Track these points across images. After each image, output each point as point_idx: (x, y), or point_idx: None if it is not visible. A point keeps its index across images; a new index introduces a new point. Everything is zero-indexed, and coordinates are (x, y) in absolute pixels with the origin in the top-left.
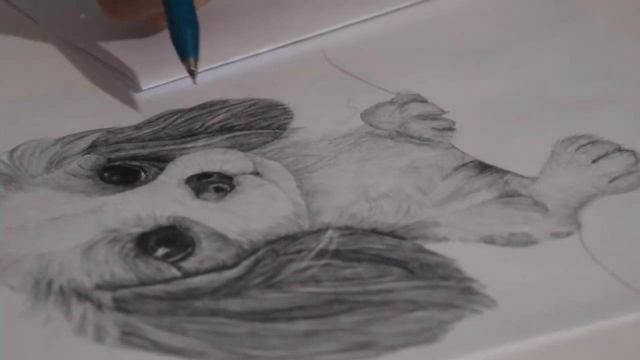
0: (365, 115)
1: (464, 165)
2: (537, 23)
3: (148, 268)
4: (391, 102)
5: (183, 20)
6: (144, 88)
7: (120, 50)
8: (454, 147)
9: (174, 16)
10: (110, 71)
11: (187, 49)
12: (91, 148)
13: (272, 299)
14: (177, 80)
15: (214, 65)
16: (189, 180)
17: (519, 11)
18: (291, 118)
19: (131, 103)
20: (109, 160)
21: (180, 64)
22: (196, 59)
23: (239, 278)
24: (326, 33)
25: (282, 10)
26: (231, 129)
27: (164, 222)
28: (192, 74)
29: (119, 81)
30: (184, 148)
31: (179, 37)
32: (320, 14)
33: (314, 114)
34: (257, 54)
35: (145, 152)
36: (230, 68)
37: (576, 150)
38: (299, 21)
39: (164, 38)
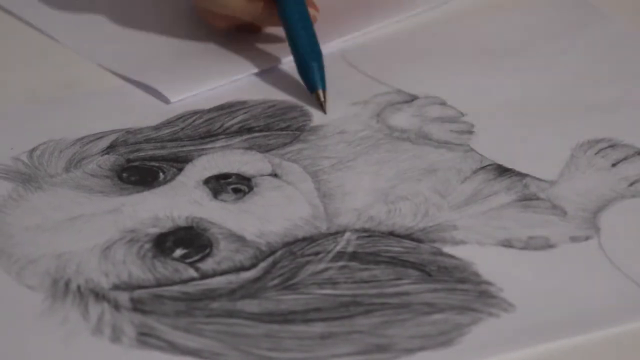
0: (383, 117)
1: (482, 168)
2: (556, 25)
3: (165, 269)
4: (410, 104)
5: (308, 54)
6: (172, 101)
7: (143, 72)
8: (472, 149)
9: (299, 51)
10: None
11: (315, 83)
12: (110, 148)
13: (289, 300)
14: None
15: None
16: (207, 181)
17: (538, 14)
18: (309, 120)
19: (152, 101)
20: (128, 160)
21: (207, 76)
22: (324, 90)
23: (256, 279)
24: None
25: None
26: (250, 130)
27: (182, 222)
28: (322, 104)
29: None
30: (203, 149)
31: (306, 71)
32: (343, 21)
33: (332, 116)
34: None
35: (164, 152)
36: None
37: (595, 153)
38: (321, 29)
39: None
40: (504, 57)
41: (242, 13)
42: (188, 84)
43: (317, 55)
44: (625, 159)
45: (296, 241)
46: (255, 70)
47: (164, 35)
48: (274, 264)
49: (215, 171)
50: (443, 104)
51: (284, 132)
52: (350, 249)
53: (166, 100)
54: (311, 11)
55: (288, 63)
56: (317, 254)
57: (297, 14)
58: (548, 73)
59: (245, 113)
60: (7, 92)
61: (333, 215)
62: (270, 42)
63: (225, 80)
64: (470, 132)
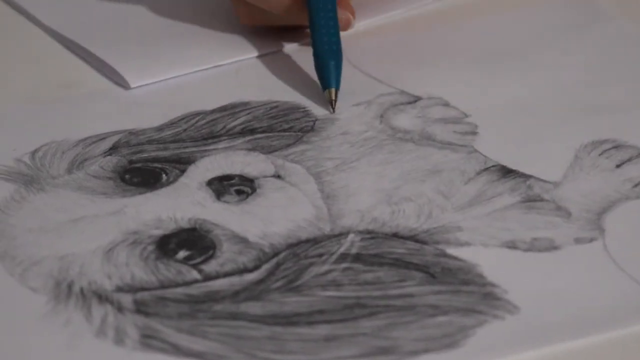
0: (386, 118)
1: (486, 169)
2: (560, 26)
3: (169, 270)
4: (413, 105)
5: (327, 51)
6: (132, 86)
7: (108, 51)
8: (476, 150)
9: (319, 47)
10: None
11: (329, 81)
12: (113, 149)
13: (293, 302)
14: (165, 80)
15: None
16: (210, 183)
17: (543, 14)
18: (312, 121)
19: (154, 102)
20: (131, 162)
21: (170, 64)
22: (337, 90)
23: (259, 281)
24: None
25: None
26: (252, 131)
27: (185, 224)
28: (331, 103)
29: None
30: (206, 150)
31: (323, 68)
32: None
33: (335, 117)
34: (275, 52)
35: (166, 153)
36: (251, 67)
37: (600, 154)
38: None
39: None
40: (507, 57)
41: (276, 6)
42: (151, 70)
43: (336, 54)
44: (629, 160)
45: (299, 243)
46: (228, 60)
47: (141, 16)
48: (278, 266)
49: (218, 172)
50: (446, 104)
51: (287, 133)
52: (353, 250)
53: (126, 85)
54: (345, 14)
55: (267, 56)
56: (320, 255)
57: (322, 11)
58: (552, 73)
59: (248, 114)
60: (7, 93)
61: (336, 217)
62: (259, 33)
63: (191, 69)
64: (474, 133)
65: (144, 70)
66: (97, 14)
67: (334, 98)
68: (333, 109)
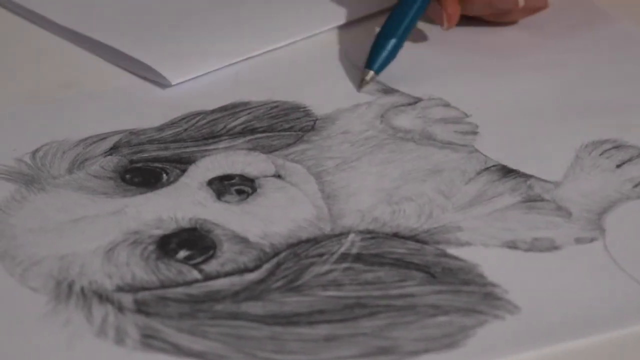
0: (387, 118)
1: (486, 169)
2: (561, 26)
3: (169, 270)
4: (413, 106)
5: (388, 35)
6: (173, 83)
7: (143, 51)
8: (477, 150)
9: (383, 28)
10: (135, 70)
11: (375, 61)
12: (113, 149)
13: (293, 302)
14: (204, 75)
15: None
16: (210, 183)
17: (543, 14)
18: (313, 120)
19: (155, 102)
20: (131, 161)
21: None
22: (376, 73)
23: (260, 281)
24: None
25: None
26: (253, 131)
27: (185, 224)
28: (361, 82)
29: (144, 80)
30: (206, 150)
31: (375, 48)
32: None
33: (335, 116)
34: (274, 49)
35: (167, 153)
36: (250, 67)
37: (600, 154)
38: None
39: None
40: (508, 57)
41: None
42: (190, 65)
43: (396, 40)
44: (630, 160)
45: (300, 243)
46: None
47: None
48: (278, 266)
49: (218, 172)
50: (447, 105)
51: (288, 133)
52: (354, 250)
53: (167, 83)
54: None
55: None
56: (321, 255)
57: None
58: (552, 73)
59: (248, 114)
60: (7, 92)
61: (337, 217)
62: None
63: (228, 61)
64: (475, 133)
65: (182, 66)
66: (113, 10)
67: (367, 80)
68: (359, 88)
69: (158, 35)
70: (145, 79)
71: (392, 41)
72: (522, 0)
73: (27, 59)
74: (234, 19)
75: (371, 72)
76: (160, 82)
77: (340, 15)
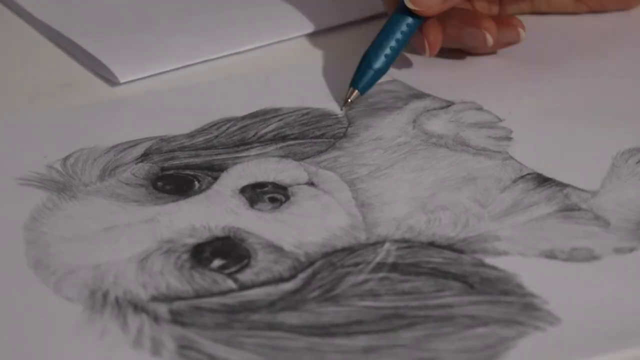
0: (419, 123)
1: (522, 177)
2: (597, 32)
3: (204, 280)
4: (446, 110)
5: (372, 59)
6: (121, 81)
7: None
8: (511, 157)
9: (369, 51)
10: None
11: (358, 82)
12: (144, 156)
13: (330, 312)
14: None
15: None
16: (243, 190)
17: (579, 20)
18: (345, 127)
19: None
20: (163, 169)
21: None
22: (360, 93)
23: (296, 291)
24: None
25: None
26: (284, 138)
27: (219, 232)
28: (345, 100)
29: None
30: (238, 157)
31: (361, 69)
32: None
33: (368, 123)
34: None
35: (198, 160)
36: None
37: (637, 162)
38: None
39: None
40: (543, 62)
41: None
42: (141, 65)
43: (380, 65)
44: None
45: (335, 252)
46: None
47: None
48: (314, 275)
49: (251, 180)
50: (480, 109)
51: (319, 140)
52: (390, 259)
53: (116, 81)
54: (488, 35)
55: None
56: (357, 264)
57: (395, 24)
58: (588, 79)
59: (279, 121)
60: (7, 92)
61: (372, 225)
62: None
63: (181, 63)
64: (509, 139)
65: (134, 64)
66: (91, 10)
67: (349, 99)
68: (341, 106)
69: (119, 33)
70: (100, 75)
71: (381, 59)
72: (490, 39)
73: (27, 59)
74: (202, 22)
75: (356, 92)
76: (110, 79)
77: (308, 24)
